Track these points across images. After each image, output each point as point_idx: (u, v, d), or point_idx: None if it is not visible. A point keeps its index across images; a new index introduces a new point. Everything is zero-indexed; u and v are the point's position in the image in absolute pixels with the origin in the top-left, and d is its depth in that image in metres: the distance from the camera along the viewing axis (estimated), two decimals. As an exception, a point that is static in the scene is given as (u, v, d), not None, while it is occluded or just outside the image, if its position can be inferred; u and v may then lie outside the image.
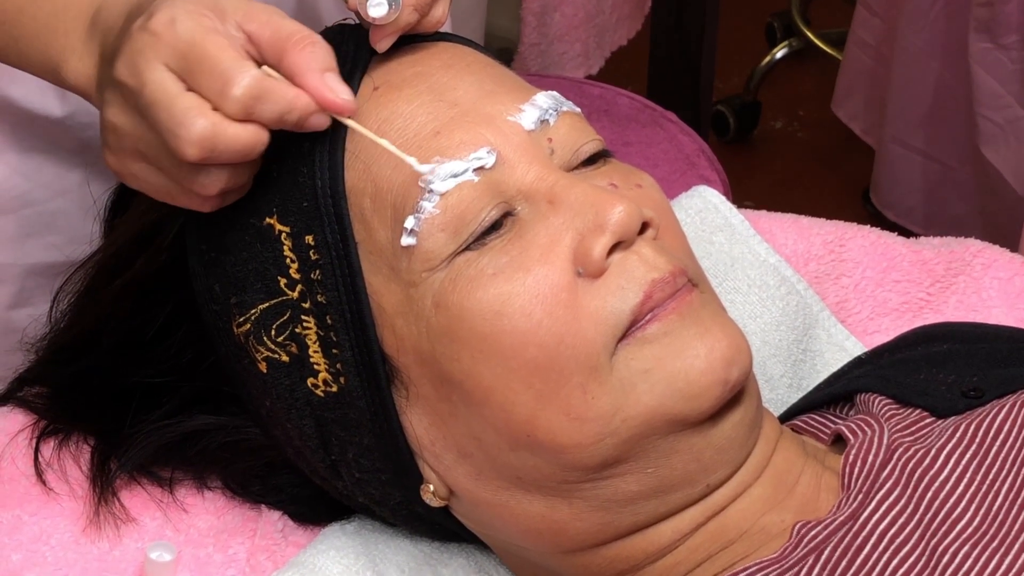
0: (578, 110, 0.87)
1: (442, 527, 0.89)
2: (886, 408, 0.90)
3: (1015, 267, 1.11)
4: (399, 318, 0.82)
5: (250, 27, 0.79)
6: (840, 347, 1.05)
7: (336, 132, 0.83)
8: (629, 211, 0.80)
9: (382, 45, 0.84)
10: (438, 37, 0.87)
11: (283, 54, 0.78)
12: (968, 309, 1.09)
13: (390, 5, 0.81)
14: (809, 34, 2.52)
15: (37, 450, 0.94)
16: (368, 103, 0.83)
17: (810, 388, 1.02)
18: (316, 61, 0.79)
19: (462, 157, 0.81)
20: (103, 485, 0.91)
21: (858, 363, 0.98)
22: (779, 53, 2.55)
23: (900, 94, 2.16)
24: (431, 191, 0.80)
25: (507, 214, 0.82)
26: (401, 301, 0.82)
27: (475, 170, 0.81)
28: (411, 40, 0.86)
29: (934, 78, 2.11)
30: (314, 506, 0.92)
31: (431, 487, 0.85)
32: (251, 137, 0.78)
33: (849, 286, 1.10)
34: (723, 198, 1.07)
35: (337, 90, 0.79)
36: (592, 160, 0.85)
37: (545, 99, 0.85)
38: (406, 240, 0.81)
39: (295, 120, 0.79)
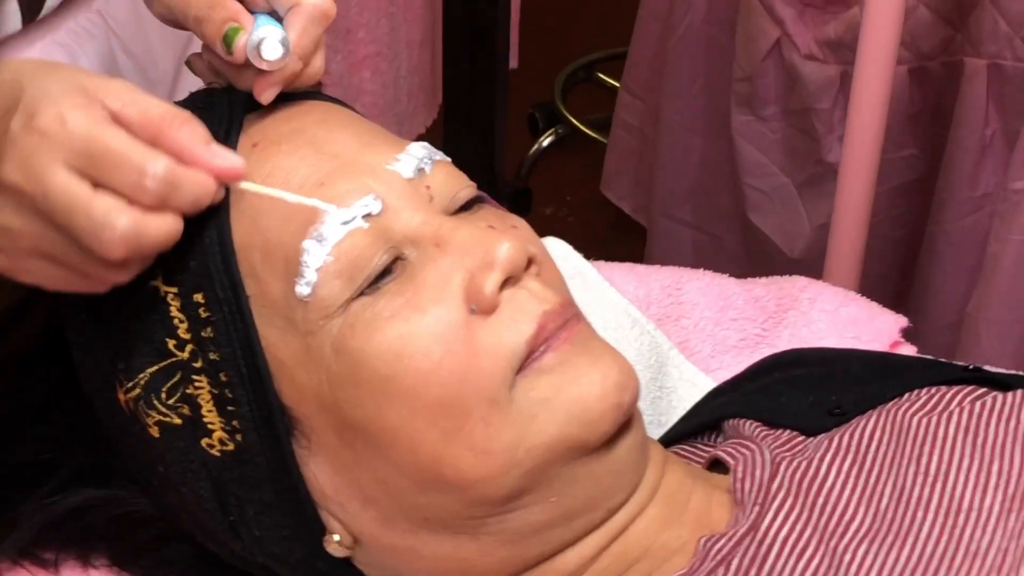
0: (448, 159, 0.89)
1: (344, 581, 0.89)
2: (758, 430, 0.94)
3: (839, 299, 1.17)
4: (298, 368, 0.82)
5: (114, 106, 0.78)
6: (691, 383, 1.09)
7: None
8: (516, 248, 0.83)
9: (267, 95, 0.85)
10: (307, 96, 0.89)
11: (159, 135, 0.78)
12: (800, 341, 1.14)
13: (283, 49, 0.82)
14: (574, 121, 2.60)
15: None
16: (249, 160, 0.84)
17: (669, 424, 1.05)
18: (199, 136, 0.79)
19: (349, 205, 0.82)
20: (-15, 572, 0.88)
21: (717, 392, 1.03)
22: (546, 141, 2.62)
23: (666, 171, 2.24)
24: (323, 239, 0.81)
25: (397, 259, 0.83)
26: (299, 351, 0.82)
27: (364, 217, 0.82)
28: (282, 100, 0.87)
29: (698, 153, 2.19)
30: (208, 574, 0.91)
31: (336, 537, 0.85)
32: (171, 227, 0.78)
33: (689, 326, 1.14)
34: (570, 248, 1.10)
35: (229, 159, 0.80)
36: (468, 205, 0.88)
37: (419, 149, 0.87)
38: (301, 289, 0.81)
39: (205, 203, 0.79)
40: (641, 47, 2.27)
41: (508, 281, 0.83)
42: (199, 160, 0.78)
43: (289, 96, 0.87)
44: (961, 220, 1.90)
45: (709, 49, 2.13)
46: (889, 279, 2.02)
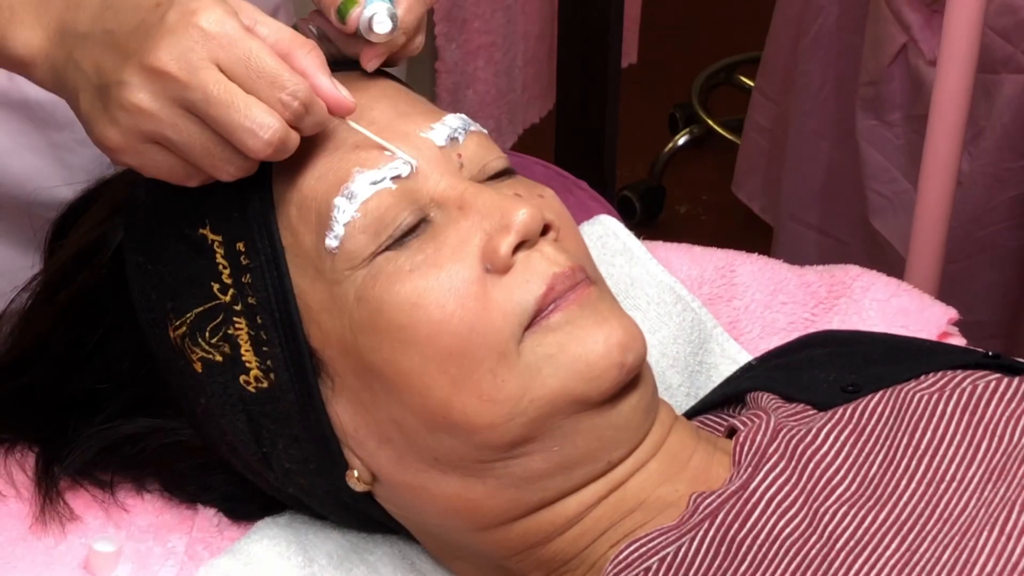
0: (485, 131, 0.96)
1: (367, 516, 0.96)
2: (773, 402, 0.99)
3: (891, 289, 1.20)
4: (324, 314, 0.89)
5: (247, 22, 0.85)
6: (733, 360, 1.13)
7: None
8: (532, 214, 0.89)
9: (372, 64, 0.93)
10: (358, 69, 0.96)
11: (289, 56, 0.85)
12: (850, 327, 1.18)
13: (392, 24, 0.90)
14: (709, 121, 2.64)
15: (-17, 459, 1.00)
16: None
17: (706, 397, 1.10)
18: (322, 64, 0.87)
19: (380, 167, 0.89)
20: (48, 487, 0.97)
21: (748, 368, 1.07)
22: (681, 140, 2.66)
23: (794, 174, 2.26)
24: (352, 197, 0.88)
25: (422, 219, 0.90)
26: (326, 298, 0.89)
27: (392, 178, 0.89)
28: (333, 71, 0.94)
29: (825, 157, 2.21)
30: (247, 503, 0.99)
31: (356, 473, 0.92)
32: (297, 144, 0.86)
33: (740, 308, 1.18)
34: (622, 225, 1.16)
35: (344, 93, 0.87)
36: (498, 175, 0.94)
37: (454, 120, 0.93)
38: (330, 242, 0.89)
39: (320, 130, 0.87)
40: (775, 50, 2.29)
41: (524, 244, 0.89)
42: (320, 87, 0.86)
43: (342, 68, 0.95)
44: (1079, 231, 1.89)
45: (839, 54, 2.15)
46: (1008, 289, 2.02)
